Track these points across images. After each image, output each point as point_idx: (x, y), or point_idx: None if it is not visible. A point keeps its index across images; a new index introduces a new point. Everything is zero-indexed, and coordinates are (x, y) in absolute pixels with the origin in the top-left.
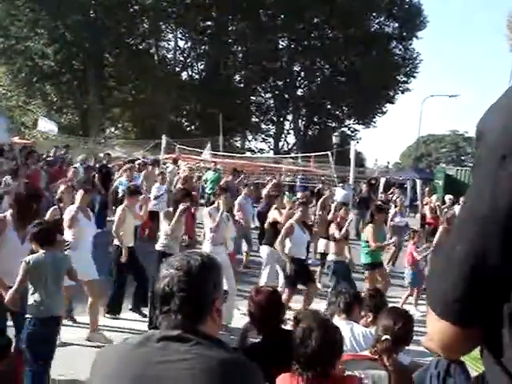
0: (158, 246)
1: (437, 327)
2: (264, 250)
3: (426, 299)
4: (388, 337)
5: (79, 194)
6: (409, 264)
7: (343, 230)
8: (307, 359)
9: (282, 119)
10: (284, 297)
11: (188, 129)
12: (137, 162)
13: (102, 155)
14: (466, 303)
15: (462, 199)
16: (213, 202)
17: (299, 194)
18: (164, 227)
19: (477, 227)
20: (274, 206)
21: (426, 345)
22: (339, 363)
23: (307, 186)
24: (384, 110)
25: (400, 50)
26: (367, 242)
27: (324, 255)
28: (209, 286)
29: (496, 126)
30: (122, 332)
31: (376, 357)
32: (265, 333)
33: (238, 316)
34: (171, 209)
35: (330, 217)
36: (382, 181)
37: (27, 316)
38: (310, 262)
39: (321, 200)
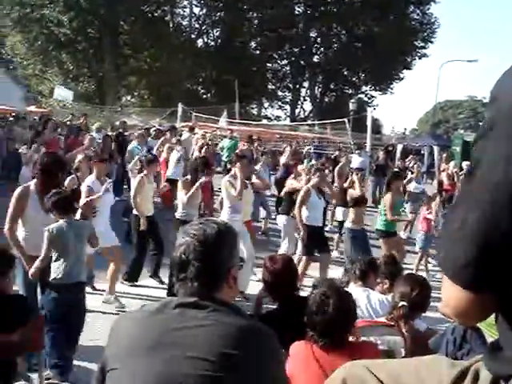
0: (178, 214)
1: (451, 293)
2: (281, 219)
3: (438, 262)
4: (405, 303)
5: (97, 164)
6: (422, 229)
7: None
8: (324, 326)
9: (298, 86)
10: (301, 264)
11: (204, 96)
12: (152, 129)
13: (118, 123)
14: (478, 268)
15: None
16: (229, 170)
17: (314, 161)
18: (181, 196)
19: (488, 194)
20: (292, 175)
21: (441, 311)
22: (355, 329)
23: (321, 153)
24: (401, 75)
25: (417, 14)
26: (384, 208)
27: (342, 223)
28: (225, 254)
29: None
30: (140, 299)
31: (392, 323)
32: (280, 300)
33: (256, 283)
34: (189, 177)
35: (346, 184)
36: (399, 148)
37: (51, 281)
38: (327, 229)
39: (337, 167)
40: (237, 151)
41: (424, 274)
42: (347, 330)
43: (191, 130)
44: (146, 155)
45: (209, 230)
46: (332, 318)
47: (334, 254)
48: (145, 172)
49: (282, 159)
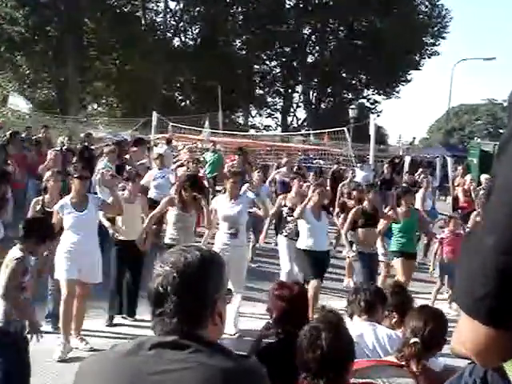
0: (166, 239)
1: (469, 329)
2: (281, 241)
3: (453, 294)
4: (417, 340)
5: (75, 181)
6: (443, 254)
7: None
8: (317, 366)
9: (290, 91)
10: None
11: (182, 104)
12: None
13: (82, 136)
14: (498, 300)
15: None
16: (213, 188)
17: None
18: (170, 216)
19: (504, 216)
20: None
21: (455, 350)
22: (358, 370)
23: (310, 167)
24: (408, 77)
25: (426, 6)
26: (395, 227)
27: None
28: (209, 286)
29: None
30: (110, 338)
31: (403, 363)
32: (290, 333)
33: (245, 318)
34: (174, 194)
35: (349, 202)
36: (407, 160)
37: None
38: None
39: (342, 184)
40: (231, 165)
41: (445, 306)
42: (345, 370)
43: (168, 142)
44: (131, 170)
45: (190, 258)
46: (326, 356)
47: (345, 282)
48: (127, 190)
49: (276, 174)
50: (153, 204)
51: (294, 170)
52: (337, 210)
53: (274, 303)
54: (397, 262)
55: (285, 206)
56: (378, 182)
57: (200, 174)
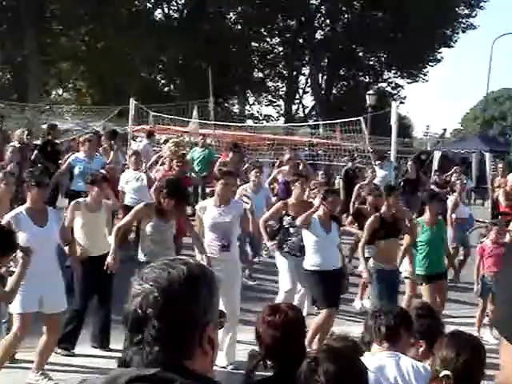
0: (140, 254)
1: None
2: (280, 258)
3: (493, 317)
4: (448, 373)
5: (32, 190)
6: (486, 269)
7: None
8: None
9: (295, 74)
10: (317, 321)
11: (166, 89)
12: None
13: (45, 127)
14: None
15: None
16: (203, 190)
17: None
18: (145, 227)
19: None
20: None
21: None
22: None
23: (318, 164)
24: (438, 56)
25: None
26: (420, 242)
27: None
28: (197, 307)
29: None
30: (77, 372)
31: None
32: (281, 365)
33: (242, 346)
34: (152, 202)
35: (364, 208)
36: (437, 156)
37: None
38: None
39: (357, 187)
40: (222, 163)
41: (487, 333)
42: None
43: (149, 135)
44: (93, 172)
45: (175, 273)
46: None
47: (357, 304)
48: (90, 196)
49: (278, 173)
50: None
51: (300, 167)
52: (350, 219)
53: (261, 331)
54: (424, 289)
55: (286, 214)
56: (401, 184)
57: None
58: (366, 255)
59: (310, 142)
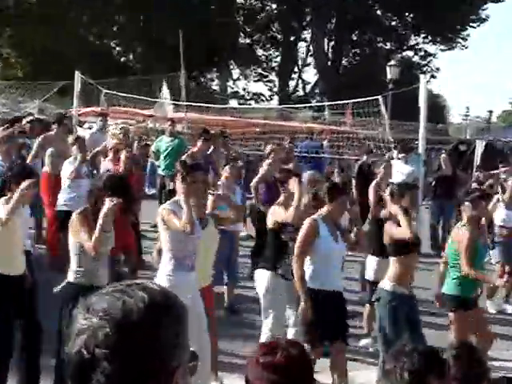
0: (71, 274)
1: None
2: (262, 277)
3: None
4: None
5: None
6: None
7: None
8: None
9: (293, 39)
10: None
11: (122, 60)
12: (25, 121)
13: None
14: None
15: None
16: (171, 192)
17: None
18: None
19: None
20: (281, 197)
21: None
22: None
23: (318, 158)
24: (483, 14)
25: None
26: (456, 256)
27: (375, 284)
28: (162, 347)
29: None
30: None
31: None
32: None
33: None
34: (88, 206)
35: (383, 213)
36: (479, 146)
37: None
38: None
39: (373, 185)
40: (184, 157)
41: None
42: None
43: (102, 119)
44: (14, 167)
45: (132, 303)
46: None
47: (363, 342)
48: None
49: (262, 170)
50: (65, 219)
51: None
52: (366, 226)
53: (258, 376)
54: (457, 318)
55: (287, 224)
56: (433, 183)
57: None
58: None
59: (312, 129)
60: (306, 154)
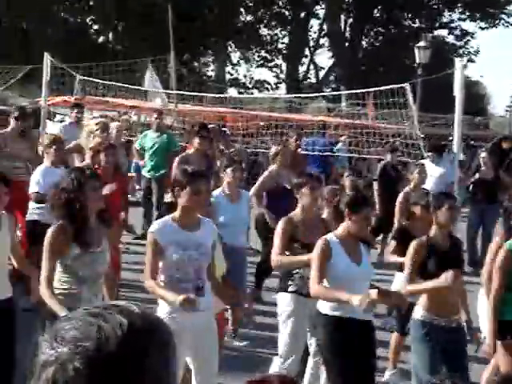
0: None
1: None
2: (283, 300)
3: None
4: None
5: None
6: None
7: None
8: None
9: (303, 15)
10: None
11: (101, 40)
12: None
13: None
14: None
15: None
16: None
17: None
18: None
19: None
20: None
21: None
22: None
23: (333, 157)
24: None
25: None
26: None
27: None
28: (146, 381)
29: None
30: None
31: None
32: None
33: None
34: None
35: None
36: None
37: None
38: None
39: (402, 195)
40: (182, 158)
41: None
42: None
43: (77, 110)
44: None
45: (109, 330)
46: None
47: (387, 376)
48: None
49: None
50: (36, 231)
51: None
52: (392, 243)
53: None
54: (505, 349)
55: (292, 238)
56: (471, 187)
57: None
58: (400, 288)
59: (326, 124)
60: (311, 153)
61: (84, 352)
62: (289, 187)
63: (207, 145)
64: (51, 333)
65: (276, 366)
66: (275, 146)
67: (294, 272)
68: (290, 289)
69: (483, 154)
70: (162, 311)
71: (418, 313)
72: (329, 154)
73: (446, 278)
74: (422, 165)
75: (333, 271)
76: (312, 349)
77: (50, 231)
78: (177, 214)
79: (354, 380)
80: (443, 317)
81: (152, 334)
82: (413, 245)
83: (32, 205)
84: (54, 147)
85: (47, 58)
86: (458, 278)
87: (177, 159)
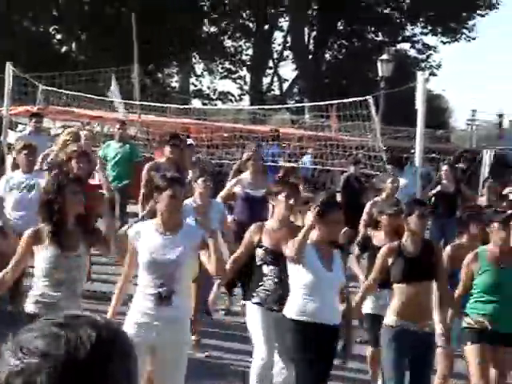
0: (29, 304)
1: None
2: (249, 309)
3: None
4: None
5: None
6: None
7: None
8: None
9: (267, 27)
10: None
11: (64, 50)
12: None
13: None
14: None
15: None
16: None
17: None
18: (39, 261)
19: None
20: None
21: None
22: None
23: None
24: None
25: None
26: (480, 285)
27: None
28: None
29: None
30: None
31: None
32: None
33: None
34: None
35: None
36: (488, 156)
37: None
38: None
39: (369, 204)
40: (151, 166)
41: None
42: None
43: (35, 119)
44: None
45: (76, 341)
46: None
47: None
48: None
49: (236, 184)
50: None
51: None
52: (356, 251)
53: None
54: (471, 352)
55: (259, 245)
56: (431, 200)
57: (95, 181)
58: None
59: (289, 135)
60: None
61: (53, 363)
62: (259, 194)
63: (178, 154)
64: (15, 343)
65: (253, 377)
66: (246, 152)
67: (260, 284)
68: (253, 300)
69: (444, 168)
70: (128, 322)
71: (389, 318)
72: (293, 165)
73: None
74: (395, 175)
75: (304, 275)
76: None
77: (24, 234)
78: (157, 219)
79: (313, 379)
80: (415, 322)
81: (115, 343)
82: (383, 249)
83: (10, 210)
84: (26, 154)
85: (9, 68)
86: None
87: (146, 166)
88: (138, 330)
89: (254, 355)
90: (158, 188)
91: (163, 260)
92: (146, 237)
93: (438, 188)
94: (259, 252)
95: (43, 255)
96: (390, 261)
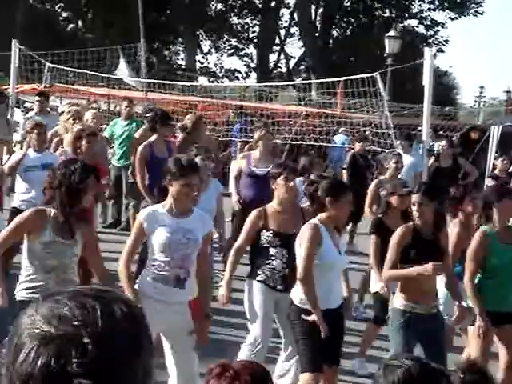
0: (19, 291)
1: None
2: (251, 288)
3: None
4: None
5: None
6: None
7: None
8: None
9: (274, 4)
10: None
11: (70, 28)
12: None
13: None
14: None
15: None
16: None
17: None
18: (32, 246)
19: None
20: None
21: None
22: None
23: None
24: None
25: None
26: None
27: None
28: (138, 368)
29: None
30: None
31: None
32: None
33: None
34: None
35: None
36: (494, 132)
37: None
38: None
39: (375, 183)
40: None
41: None
42: None
43: (42, 98)
44: None
45: (112, 313)
46: None
47: (358, 364)
48: None
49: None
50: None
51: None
52: (372, 236)
53: None
54: (475, 333)
55: (266, 229)
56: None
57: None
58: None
59: (296, 112)
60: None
61: (90, 331)
62: (263, 172)
63: (170, 131)
64: (46, 309)
65: (244, 354)
66: (257, 132)
67: (267, 262)
68: (258, 278)
69: (442, 143)
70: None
71: (398, 301)
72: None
73: (425, 268)
74: (399, 154)
75: (322, 258)
76: (283, 341)
77: (26, 211)
78: (167, 201)
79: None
80: (421, 304)
81: (144, 321)
82: (399, 230)
83: (18, 192)
84: (36, 132)
85: (16, 46)
86: (439, 270)
87: (141, 147)
88: (150, 312)
89: (250, 333)
90: (171, 173)
91: (182, 241)
92: (159, 219)
93: (436, 164)
94: (265, 235)
95: (40, 238)
96: (406, 241)
